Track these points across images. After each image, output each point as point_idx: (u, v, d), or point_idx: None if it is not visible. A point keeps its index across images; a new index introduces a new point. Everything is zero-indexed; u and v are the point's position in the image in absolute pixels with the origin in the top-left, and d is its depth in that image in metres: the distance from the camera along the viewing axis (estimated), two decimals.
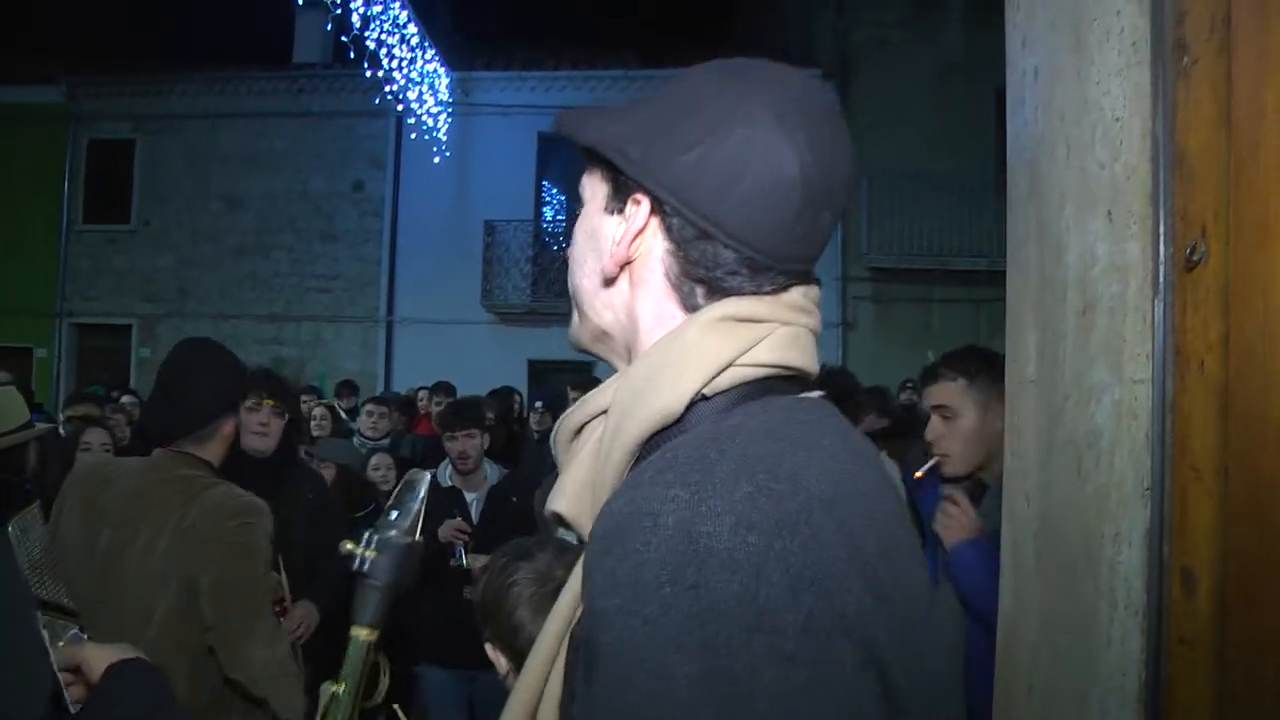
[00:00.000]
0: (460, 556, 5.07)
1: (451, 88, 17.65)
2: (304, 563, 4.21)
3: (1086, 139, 1.59)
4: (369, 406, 8.30)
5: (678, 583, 0.82)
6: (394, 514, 1.11)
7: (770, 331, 1.03)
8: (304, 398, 10.20)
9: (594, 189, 1.13)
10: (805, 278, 1.08)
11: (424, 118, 16.75)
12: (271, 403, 4.28)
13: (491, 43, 18.67)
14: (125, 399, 9.29)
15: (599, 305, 1.14)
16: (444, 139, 17.30)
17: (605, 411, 1.06)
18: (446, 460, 5.41)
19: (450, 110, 17.59)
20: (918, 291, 17.17)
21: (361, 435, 7.86)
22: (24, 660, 1.46)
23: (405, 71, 15.80)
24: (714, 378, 1.01)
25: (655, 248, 1.07)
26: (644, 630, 0.82)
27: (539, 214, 18.33)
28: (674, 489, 0.87)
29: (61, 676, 1.72)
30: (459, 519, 5.16)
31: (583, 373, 14.66)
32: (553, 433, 1.15)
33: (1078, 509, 1.62)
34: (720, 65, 1.10)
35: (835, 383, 3.78)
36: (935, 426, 2.93)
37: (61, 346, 19.25)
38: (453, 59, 17.47)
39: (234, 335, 17.84)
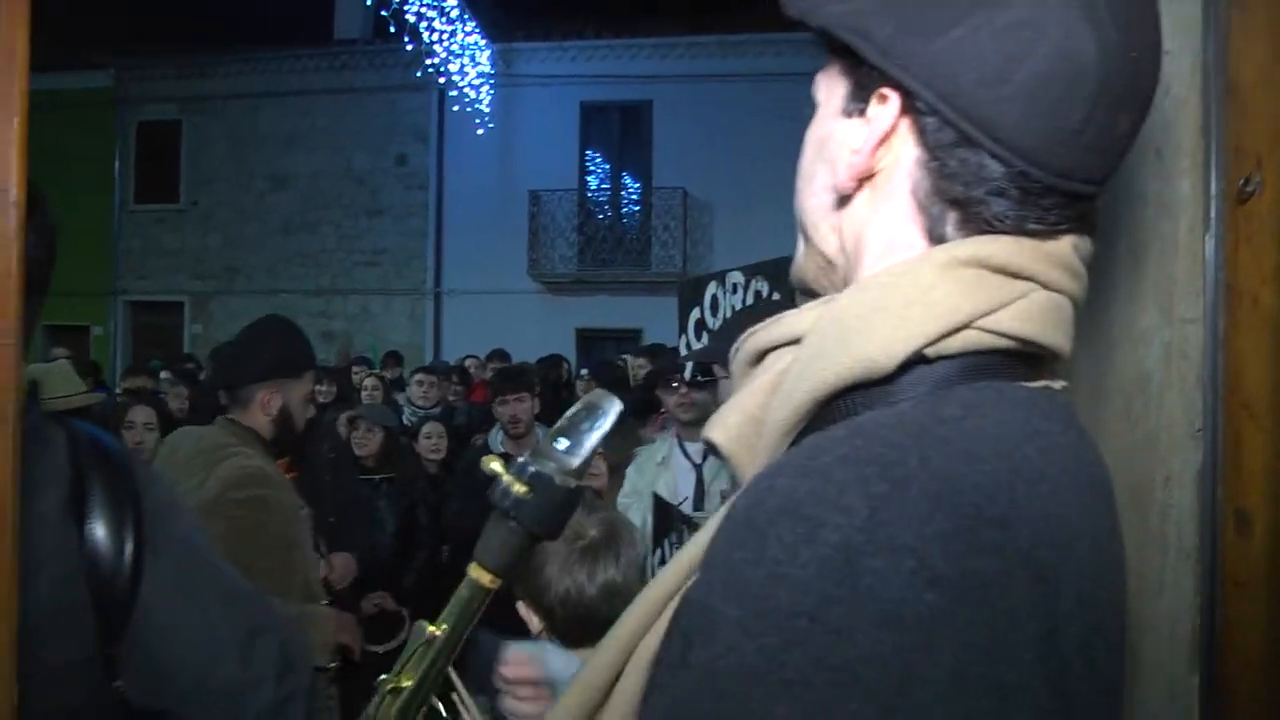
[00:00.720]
0: None
1: (493, 59, 17.64)
2: (333, 520, 4.24)
3: None
4: (419, 376, 8.35)
5: (818, 620, 0.64)
6: (561, 443, 0.86)
7: (1026, 292, 0.81)
8: (355, 369, 10.36)
9: (830, 87, 0.91)
10: (1082, 221, 0.85)
11: (466, 90, 16.75)
12: None
13: (531, 13, 18.62)
14: (163, 375, 9.45)
15: (826, 229, 0.93)
16: (486, 111, 17.32)
17: (798, 340, 0.86)
18: (498, 426, 5.44)
19: (492, 82, 17.58)
20: None
21: (412, 404, 7.91)
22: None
23: (446, 44, 15.81)
24: (944, 336, 0.79)
25: (904, 157, 0.85)
26: (755, 660, 0.65)
27: (583, 183, 18.32)
28: (850, 496, 0.67)
29: None
30: None
31: (631, 341, 14.74)
32: (732, 350, 0.95)
33: (1126, 455, 1.59)
34: None
35: None
36: None
37: (117, 324, 19.54)
38: (493, 31, 17.45)
39: (283, 310, 17.76)
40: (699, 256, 17.19)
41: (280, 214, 19.32)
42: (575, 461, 0.87)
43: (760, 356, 0.91)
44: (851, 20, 0.84)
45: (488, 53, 17.38)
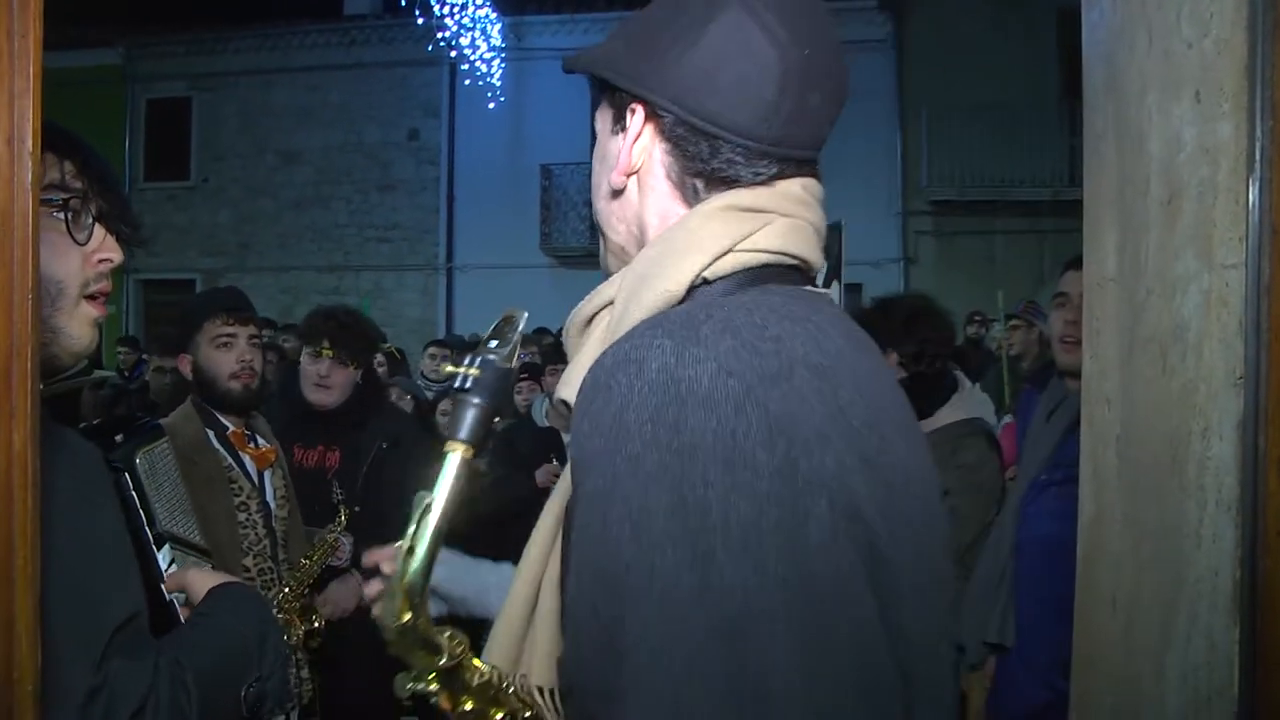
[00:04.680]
0: None
1: (504, 33, 17.52)
2: (367, 517, 3.88)
3: (1170, 19, 1.52)
4: (431, 349, 8.34)
5: (659, 421, 0.87)
6: (493, 343, 1.08)
7: (770, 221, 1.08)
8: None
9: (602, 119, 1.20)
10: (805, 169, 1.13)
11: (477, 64, 16.66)
12: (331, 352, 3.98)
13: None
14: None
15: (614, 221, 1.20)
16: (498, 84, 17.22)
17: (612, 302, 1.12)
18: (543, 398, 5.43)
19: (503, 55, 17.48)
20: (980, 224, 16.90)
21: (424, 378, 7.90)
22: (109, 555, 1.47)
23: (457, 18, 15.71)
24: (715, 261, 1.06)
25: (655, 151, 1.13)
26: (626, 467, 0.87)
27: None
28: (659, 339, 0.92)
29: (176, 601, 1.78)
30: (555, 464, 4.98)
31: None
32: (565, 326, 1.20)
33: (1162, 407, 1.56)
34: None
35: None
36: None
37: (129, 302, 19.54)
38: (504, 4, 17.33)
39: (295, 287, 18.07)
40: None
41: (292, 190, 19.31)
42: (506, 350, 1.09)
43: (587, 323, 1.16)
44: (602, 61, 1.17)
45: (499, 26, 17.25)
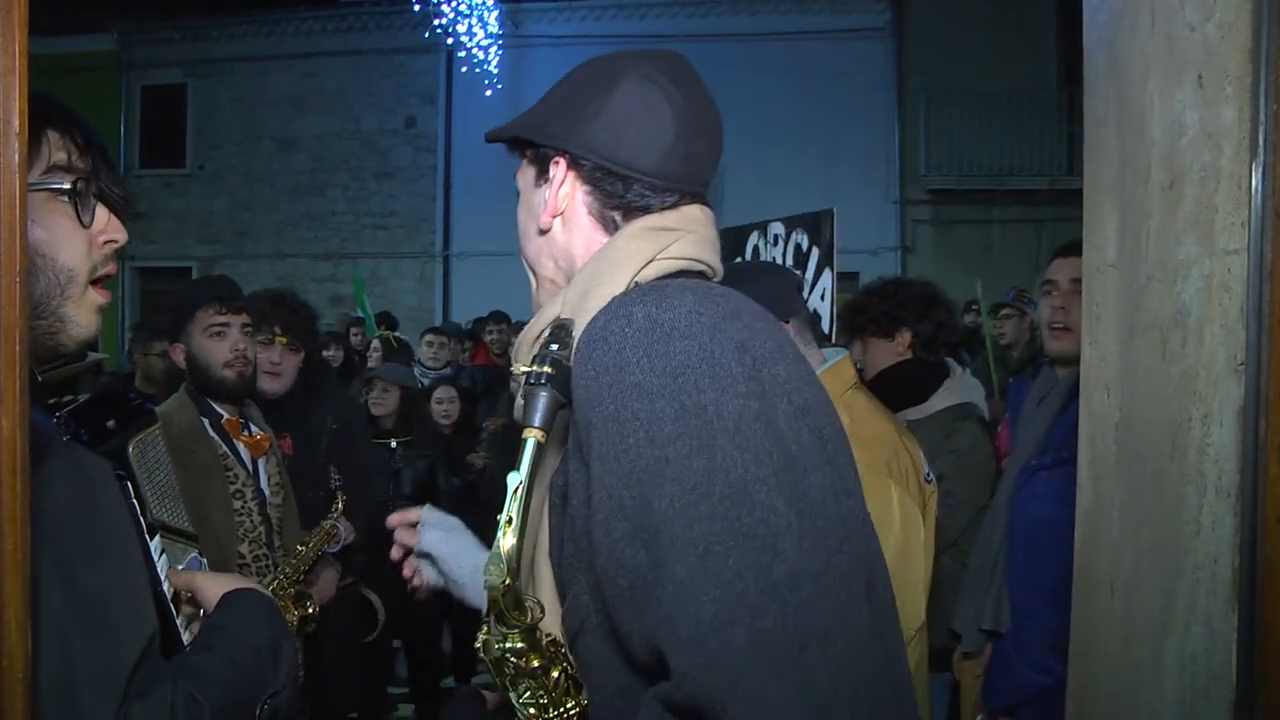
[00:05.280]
0: None
1: (501, 19, 17.45)
2: (322, 494, 3.95)
3: (1173, 2, 1.50)
4: (428, 337, 8.30)
5: (652, 354, 1.11)
6: (554, 346, 1.28)
7: (682, 236, 1.35)
8: (353, 330, 10.20)
9: (524, 177, 1.47)
10: (699, 198, 1.41)
11: (474, 51, 16.59)
12: (285, 339, 3.97)
13: None
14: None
15: (543, 259, 1.45)
16: (495, 71, 17.15)
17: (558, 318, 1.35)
18: None
19: (500, 42, 17.41)
20: (977, 212, 16.87)
21: (422, 365, 7.87)
22: (126, 581, 1.42)
23: (454, 4, 15.64)
24: (643, 268, 1.32)
25: (577, 193, 1.39)
26: (632, 391, 1.10)
27: None
28: (638, 298, 1.18)
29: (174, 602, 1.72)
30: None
31: None
32: (515, 346, 1.44)
33: (1162, 393, 1.55)
34: (595, 59, 1.45)
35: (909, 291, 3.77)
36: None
37: (125, 290, 19.48)
38: None
39: (291, 274, 17.98)
40: None
41: (288, 177, 19.23)
42: (568, 352, 1.27)
43: (535, 340, 1.35)
44: (528, 126, 1.45)
45: (496, 13, 17.18)
